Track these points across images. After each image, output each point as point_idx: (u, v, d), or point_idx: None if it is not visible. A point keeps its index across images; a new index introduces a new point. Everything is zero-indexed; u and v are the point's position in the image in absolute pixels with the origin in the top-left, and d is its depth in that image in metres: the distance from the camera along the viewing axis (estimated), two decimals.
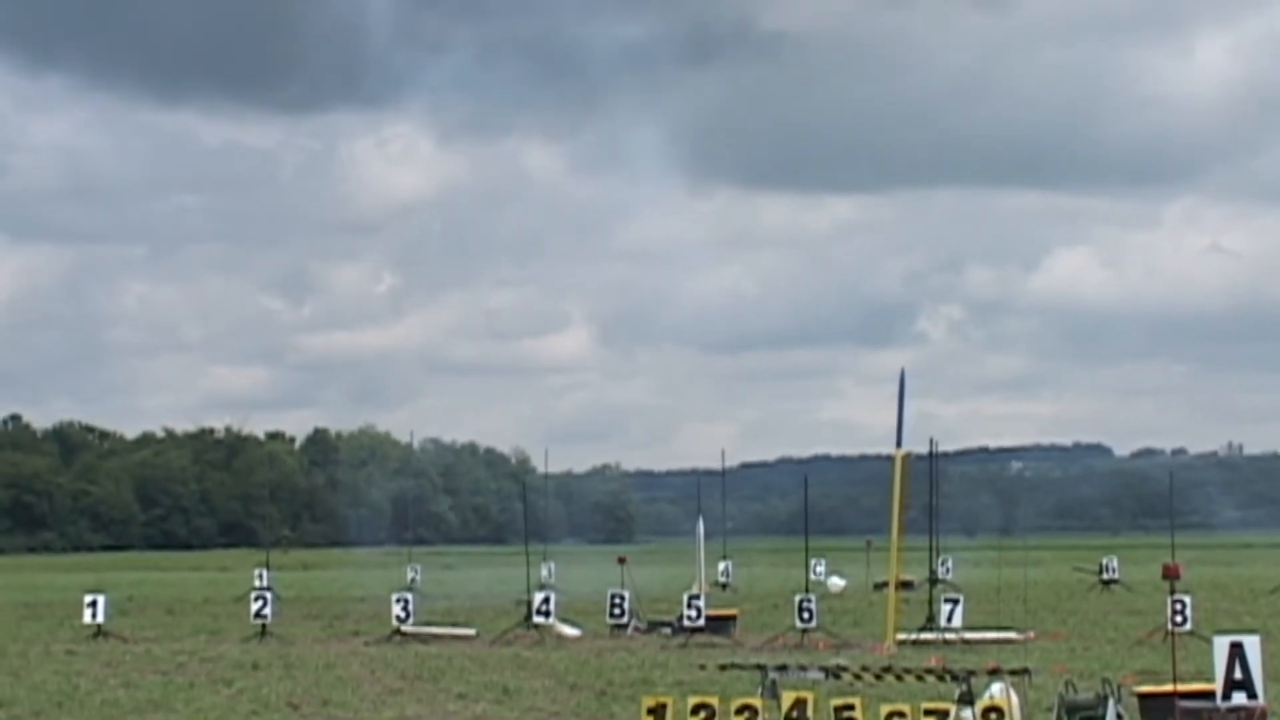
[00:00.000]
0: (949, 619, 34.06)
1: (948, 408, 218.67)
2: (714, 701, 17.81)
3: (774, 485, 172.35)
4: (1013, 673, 18.72)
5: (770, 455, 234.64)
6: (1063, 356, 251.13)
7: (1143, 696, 19.71)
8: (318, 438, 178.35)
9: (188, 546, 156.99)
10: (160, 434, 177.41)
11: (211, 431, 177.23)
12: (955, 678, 17.97)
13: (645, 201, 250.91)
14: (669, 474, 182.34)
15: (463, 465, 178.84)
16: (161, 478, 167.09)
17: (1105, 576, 55.63)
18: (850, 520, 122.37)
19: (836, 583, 56.51)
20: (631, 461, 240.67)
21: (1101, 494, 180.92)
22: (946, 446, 51.87)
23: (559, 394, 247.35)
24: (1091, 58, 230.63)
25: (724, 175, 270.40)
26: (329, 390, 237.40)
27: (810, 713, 17.45)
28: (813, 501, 41.77)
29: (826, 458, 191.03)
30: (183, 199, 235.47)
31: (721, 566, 59.24)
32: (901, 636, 32.83)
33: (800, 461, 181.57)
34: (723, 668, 22.44)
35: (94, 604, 37.44)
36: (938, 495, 38.90)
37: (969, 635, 33.46)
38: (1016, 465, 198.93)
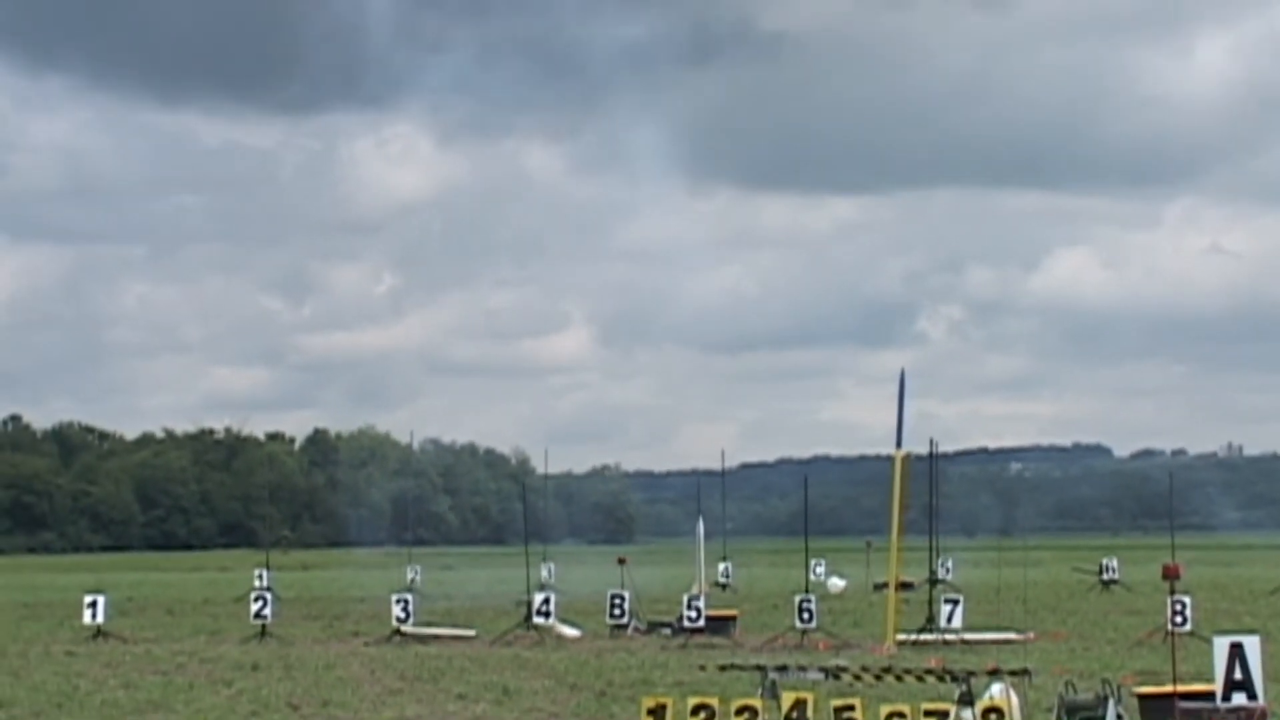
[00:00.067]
0: (949, 620, 34.06)
1: (948, 408, 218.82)
2: (714, 702, 17.81)
3: (774, 486, 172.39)
4: (1012, 673, 18.71)
5: (770, 456, 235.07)
6: (1063, 357, 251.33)
7: (1142, 697, 19.70)
8: (318, 438, 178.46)
9: (187, 547, 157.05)
10: (160, 434, 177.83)
11: (211, 432, 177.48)
12: (955, 678, 17.96)
13: (645, 201, 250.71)
14: (669, 474, 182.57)
15: (463, 466, 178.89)
16: (161, 478, 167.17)
17: (1105, 577, 55.66)
18: (850, 521, 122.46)
19: (836, 583, 56.51)
20: (631, 462, 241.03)
21: (1101, 494, 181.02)
22: (946, 447, 51.93)
23: (559, 394, 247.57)
24: (1091, 58, 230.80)
25: (724, 175, 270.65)
26: (329, 390, 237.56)
27: (810, 713, 17.44)
28: (813, 502, 41.77)
29: (826, 458, 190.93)
30: (183, 199, 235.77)
31: (721, 567, 59.25)
32: (901, 637, 32.83)
33: (800, 462, 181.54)
34: (722, 668, 22.42)
35: (94, 604, 37.43)
36: (937, 496, 38.91)
37: (969, 636, 33.45)
38: (1016, 466, 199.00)
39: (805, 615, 33.96)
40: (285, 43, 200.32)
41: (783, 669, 18.52)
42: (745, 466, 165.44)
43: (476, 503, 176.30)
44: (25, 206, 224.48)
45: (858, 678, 18.86)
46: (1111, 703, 17.94)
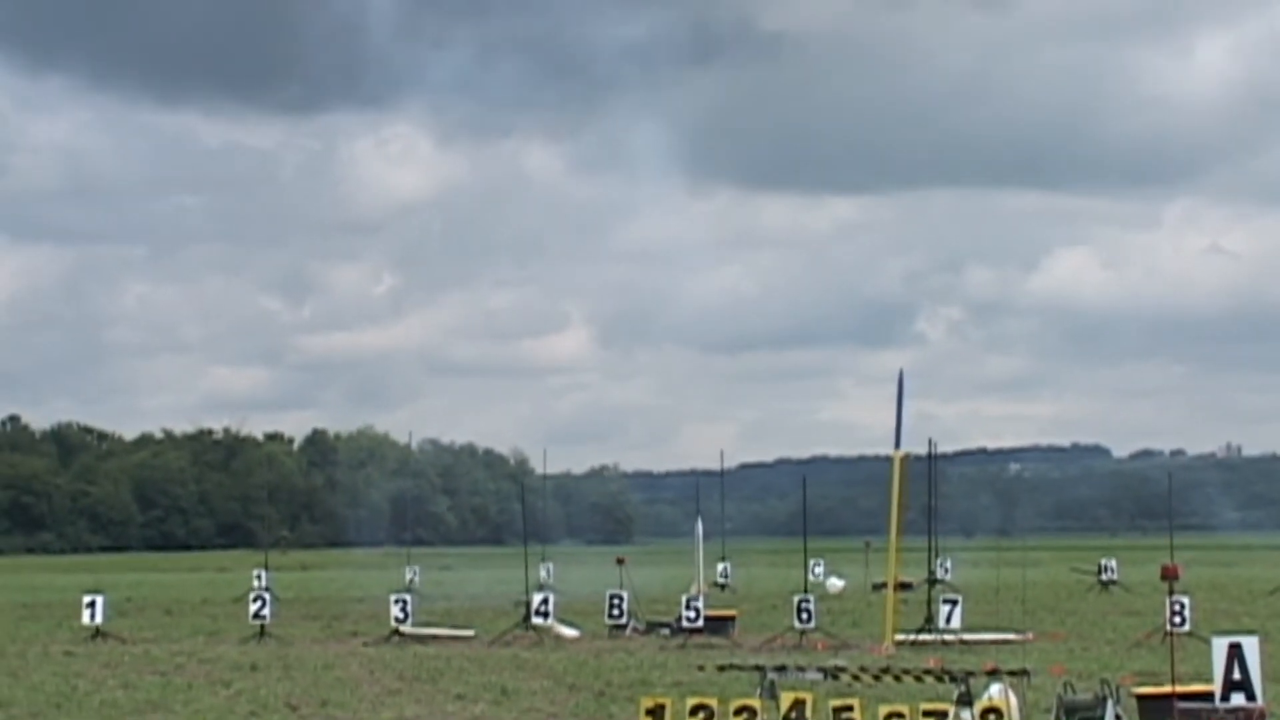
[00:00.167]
0: (947, 620, 34.07)
1: (947, 408, 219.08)
2: (713, 702, 17.80)
3: (773, 486, 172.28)
4: (1011, 673, 18.70)
5: (769, 456, 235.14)
6: (1062, 357, 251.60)
7: (1141, 698, 19.69)
8: (316, 438, 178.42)
9: (186, 547, 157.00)
10: (159, 435, 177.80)
11: (210, 432, 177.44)
12: (954, 678, 17.96)
13: (645, 201, 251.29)
14: (668, 475, 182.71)
15: (461, 466, 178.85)
16: (160, 479, 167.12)
17: (1104, 577, 55.64)
18: (849, 521, 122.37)
19: (835, 583, 56.52)
20: (631, 462, 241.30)
21: (1100, 495, 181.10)
22: (945, 447, 51.87)
23: (558, 394, 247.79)
24: (1091, 58, 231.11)
25: (724, 175, 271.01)
26: (328, 391, 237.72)
27: (809, 713, 17.44)
28: (811, 502, 41.76)
29: (825, 458, 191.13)
30: (183, 199, 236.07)
31: (720, 567, 59.27)
32: (900, 637, 32.84)
33: (799, 462, 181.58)
34: (721, 668, 22.41)
35: (92, 605, 37.41)
36: (936, 496, 38.93)
37: (967, 636, 33.45)
38: (1015, 466, 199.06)
39: (804, 615, 33.96)
40: (285, 43, 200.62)
41: (781, 669, 18.51)
42: (744, 467, 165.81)
43: (475, 503, 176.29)
44: (25, 206, 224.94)
45: (856, 678, 18.85)
46: (1110, 703, 17.93)
